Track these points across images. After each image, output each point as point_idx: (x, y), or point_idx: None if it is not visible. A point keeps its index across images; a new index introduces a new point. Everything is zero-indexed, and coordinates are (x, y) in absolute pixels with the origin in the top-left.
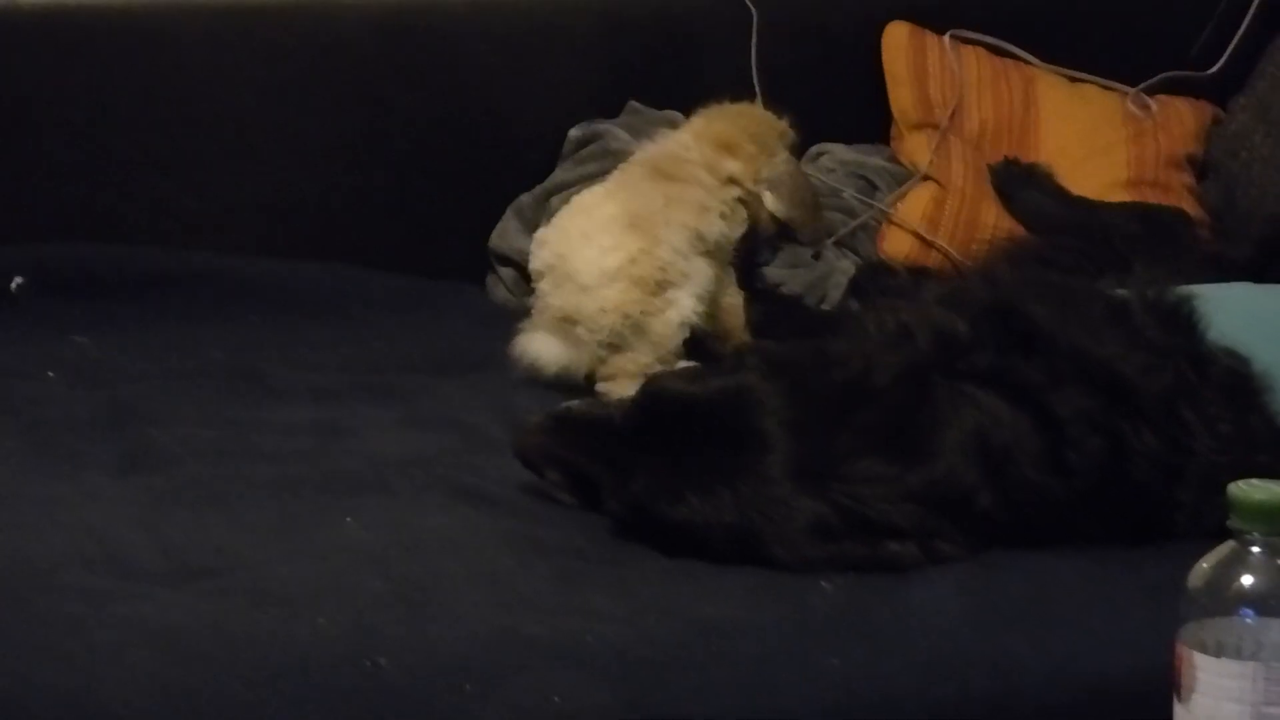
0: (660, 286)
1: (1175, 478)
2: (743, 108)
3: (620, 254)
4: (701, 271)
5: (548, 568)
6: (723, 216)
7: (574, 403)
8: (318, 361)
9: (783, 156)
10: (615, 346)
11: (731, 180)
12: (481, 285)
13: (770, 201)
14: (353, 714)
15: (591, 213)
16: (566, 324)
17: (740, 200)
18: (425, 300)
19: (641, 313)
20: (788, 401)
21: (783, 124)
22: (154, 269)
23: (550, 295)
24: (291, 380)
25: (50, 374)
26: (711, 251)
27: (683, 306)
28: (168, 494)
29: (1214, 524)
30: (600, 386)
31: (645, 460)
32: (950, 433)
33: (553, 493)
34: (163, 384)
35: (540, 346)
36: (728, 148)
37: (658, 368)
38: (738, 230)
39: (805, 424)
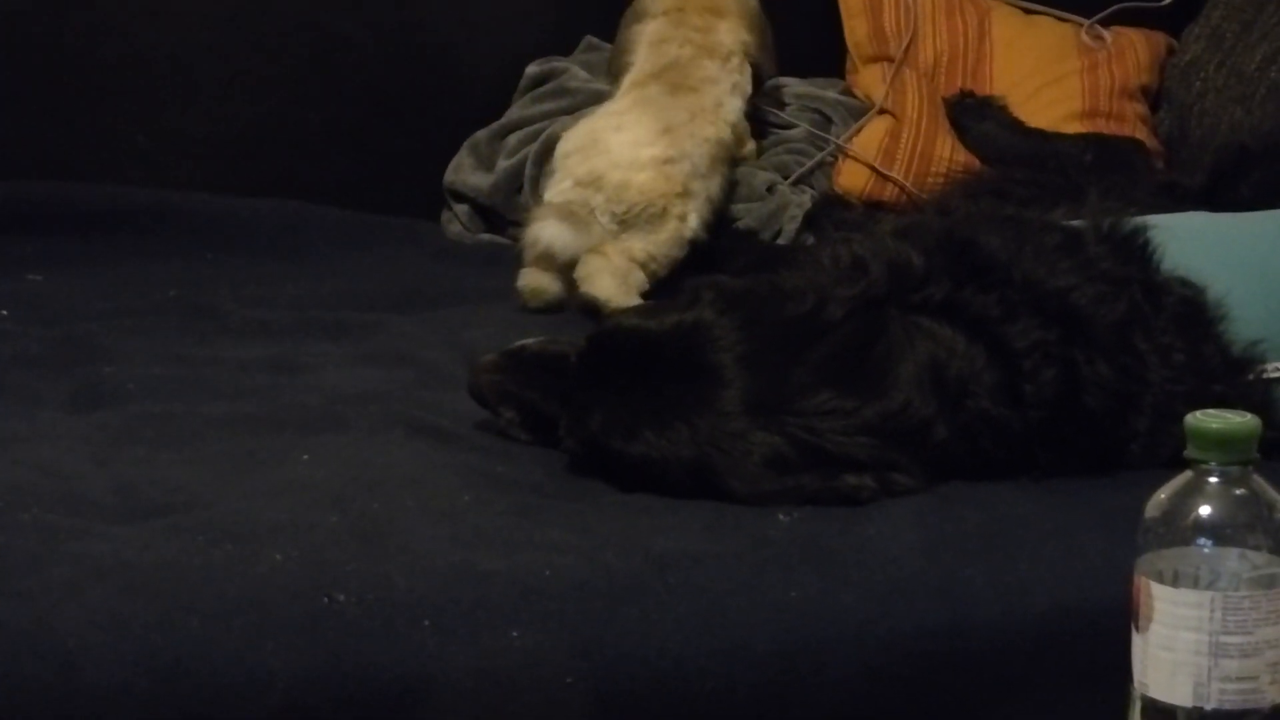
0: (682, 196)
1: (1130, 408)
2: None
3: (655, 149)
4: (714, 190)
5: (505, 503)
6: (735, 89)
7: (528, 340)
8: (272, 298)
9: None
10: (626, 224)
11: (730, 52)
12: (435, 221)
13: None
14: (310, 650)
15: (623, 115)
16: (588, 191)
17: (742, 56)
18: (380, 236)
19: (664, 208)
20: (743, 336)
21: None
22: (107, 206)
23: (576, 167)
24: (246, 317)
25: (3, 312)
26: (729, 144)
27: (691, 222)
28: (122, 431)
29: (1169, 454)
30: (578, 272)
31: (601, 396)
32: (906, 365)
33: (508, 431)
34: (117, 321)
35: (552, 232)
36: (714, 11)
37: (640, 276)
38: (749, 86)
39: (761, 358)
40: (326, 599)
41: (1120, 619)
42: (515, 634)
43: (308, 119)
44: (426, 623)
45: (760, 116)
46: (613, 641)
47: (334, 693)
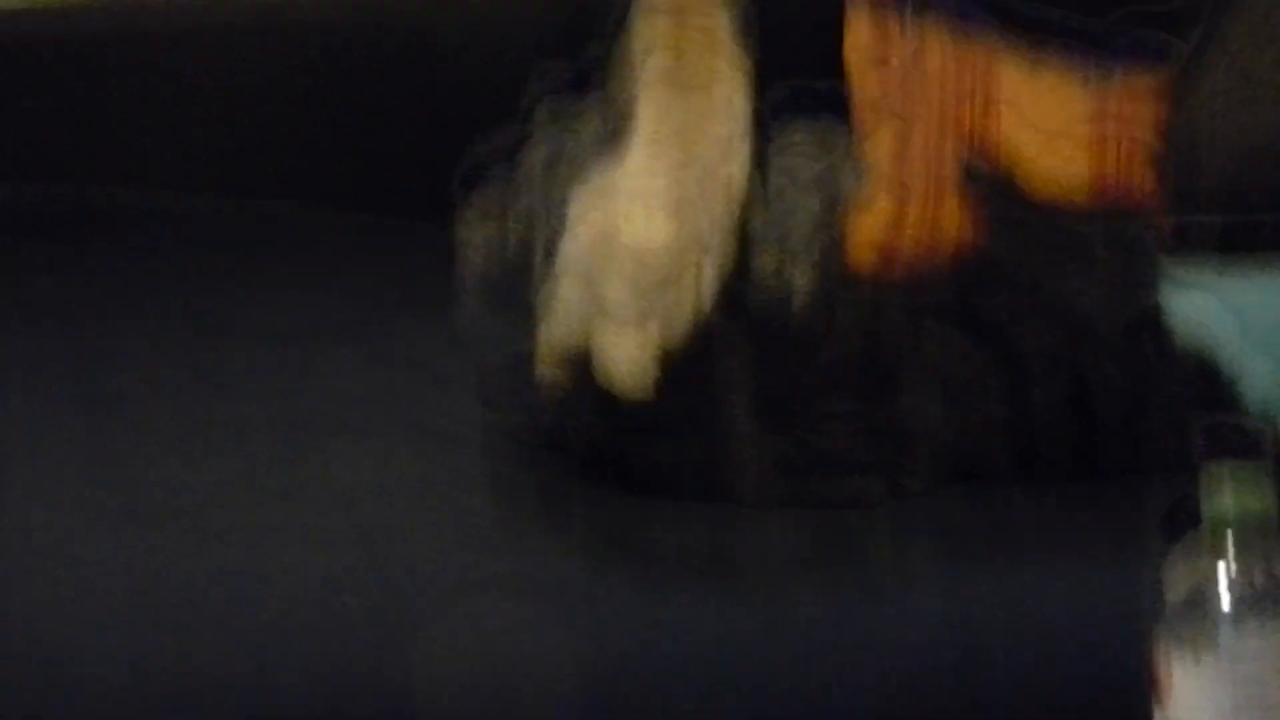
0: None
1: (1138, 410)
2: None
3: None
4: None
5: (511, 506)
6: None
7: None
8: (280, 301)
9: None
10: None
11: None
12: (438, 223)
13: None
14: (318, 653)
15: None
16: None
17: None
18: (383, 239)
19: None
20: (750, 339)
21: None
22: (113, 209)
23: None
24: (254, 320)
25: (9, 314)
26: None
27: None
28: (125, 434)
29: (1178, 456)
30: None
31: (608, 398)
32: (912, 369)
33: (516, 435)
34: (119, 324)
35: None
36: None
37: None
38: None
39: (768, 362)
40: (331, 602)
41: (1129, 625)
42: (518, 636)
43: (310, 121)
44: (431, 626)
45: None
46: (623, 646)
47: (337, 695)
